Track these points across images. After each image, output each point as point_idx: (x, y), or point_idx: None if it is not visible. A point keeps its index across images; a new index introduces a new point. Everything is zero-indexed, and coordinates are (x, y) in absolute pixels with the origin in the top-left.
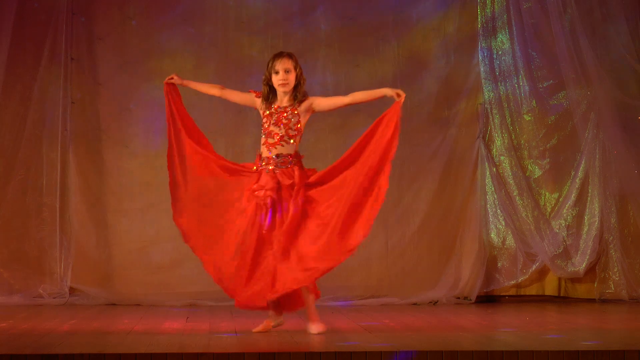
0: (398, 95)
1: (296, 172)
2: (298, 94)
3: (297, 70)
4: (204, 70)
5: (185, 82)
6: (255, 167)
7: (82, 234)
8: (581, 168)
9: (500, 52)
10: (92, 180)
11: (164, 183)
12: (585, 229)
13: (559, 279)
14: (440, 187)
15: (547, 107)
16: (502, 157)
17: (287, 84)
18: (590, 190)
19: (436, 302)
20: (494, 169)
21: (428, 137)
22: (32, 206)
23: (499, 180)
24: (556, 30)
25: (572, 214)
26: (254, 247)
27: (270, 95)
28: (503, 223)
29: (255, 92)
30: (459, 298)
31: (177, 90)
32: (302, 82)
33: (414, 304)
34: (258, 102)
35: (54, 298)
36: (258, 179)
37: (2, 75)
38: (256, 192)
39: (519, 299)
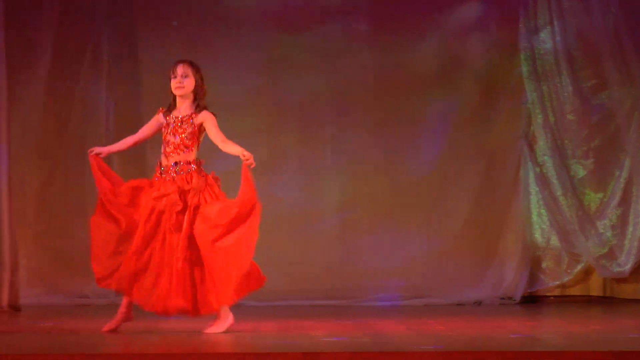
0: (243, 155)
1: (194, 178)
2: (198, 103)
3: (197, 78)
4: (246, 71)
5: (106, 150)
6: (155, 177)
7: None
8: (625, 168)
9: (542, 52)
10: None
11: None
12: (630, 229)
13: (604, 279)
14: (483, 187)
15: (590, 107)
16: (545, 157)
17: (183, 87)
18: (634, 190)
19: (480, 303)
20: (537, 169)
21: (470, 137)
22: (76, 206)
23: (543, 180)
24: (599, 29)
25: (616, 214)
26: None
27: (171, 106)
28: (547, 223)
29: (162, 109)
30: (502, 298)
31: (100, 161)
32: (201, 92)
33: (458, 304)
34: (161, 116)
35: (99, 298)
36: (159, 188)
37: (45, 75)
38: (158, 201)
39: (564, 299)
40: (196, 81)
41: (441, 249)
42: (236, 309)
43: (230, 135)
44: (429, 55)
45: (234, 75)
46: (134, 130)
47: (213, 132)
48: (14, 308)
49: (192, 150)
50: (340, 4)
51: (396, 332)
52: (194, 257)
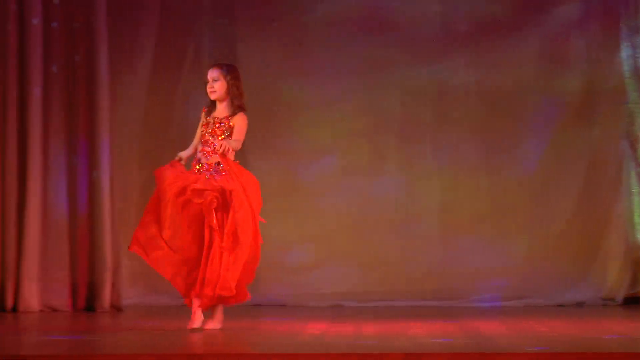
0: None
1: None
2: (234, 104)
3: (228, 79)
4: (345, 70)
5: (185, 155)
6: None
7: None
8: None
9: None
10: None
11: (307, 184)
12: None
13: None
14: (585, 187)
15: None
16: None
17: (214, 91)
18: None
19: (582, 304)
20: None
21: (571, 137)
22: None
23: None
24: None
25: None
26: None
27: (212, 106)
28: None
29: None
30: (604, 300)
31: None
32: (235, 93)
33: (559, 305)
34: (203, 115)
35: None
36: (200, 181)
37: (146, 78)
38: (195, 193)
39: None
40: (228, 83)
41: (542, 250)
42: (337, 310)
43: (330, 136)
44: (529, 56)
45: (334, 76)
46: None
47: (235, 131)
48: (116, 308)
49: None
50: (439, 5)
51: (497, 333)
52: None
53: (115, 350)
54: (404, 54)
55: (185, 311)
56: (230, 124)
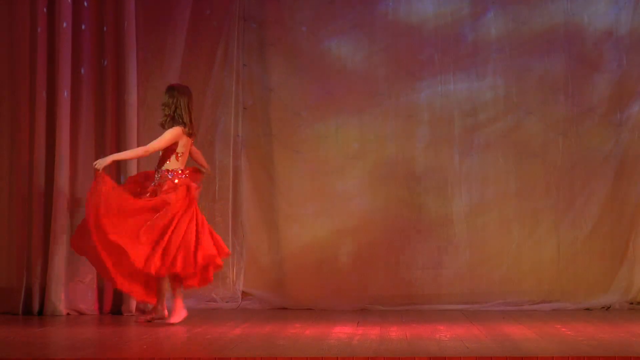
0: None
1: None
2: None
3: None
4: (374, 74)
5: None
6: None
7: (253, 239)
8: None
9: None
10: (264, 186)
11: (335, 188)
12: None
13: None
14: (613, 190)
15: None
16: None
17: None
18: None
19: (609, 308)
20: None
21: (600, 140)
22: (205, 211)
23: None
24: None
25: None
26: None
27: None
28: None
29: None
30: (632, 303)
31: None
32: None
33: (587, 309)
34: None
35: (227, 302)
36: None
37: (176, 81)
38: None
39: None
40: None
41: (570, 254)
42: (364, 313)
43: (358, 141)
44: (561, 60)
45: (362, 79)
46: (262, 135)
47: None
48: (142, 312)
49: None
50: (470, 8)
51: (524, 337)
52: None
53: (141, 354)
54: (433, 56)
55: (210, 315)
56: None
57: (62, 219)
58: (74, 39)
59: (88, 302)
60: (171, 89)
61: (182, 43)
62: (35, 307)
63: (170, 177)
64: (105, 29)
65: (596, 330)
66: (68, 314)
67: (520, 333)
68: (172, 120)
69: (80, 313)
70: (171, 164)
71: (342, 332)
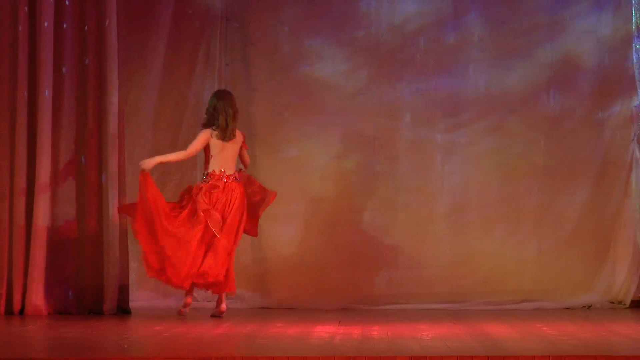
0: None
1: None
2: None
3: None
4: (356, 75)
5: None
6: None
7: None
8: None
9: None
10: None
11: (317, 188)
12: None
13: None
14: (594, 190)
15: None
16: None
17: None
18: None
19: (590, 307)
20: None
21: (581, 140)
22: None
23: None
24: None
25: None
26: None
27: None
28: None
29: None
30: (613, 302)
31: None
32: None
33: (568, 308)
34: None
35: (208, 302)
36: None
37: (158, 81)
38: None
39: None
40: None
41: (551, 253)
42: (346, 312)
43: (339, 140)
44: (542, 60)
45: (344, 79)
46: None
47: None
48: (124, 311)
49: None
50: (452, 8)
51: (506, 336)
52: None
53: (122, 354)
54: (415, 56)
55: (191, 314)
56: None
57: (43, 217)
58: (56, 37)
59: (69, 302)
60: (212, 94)
61: (164, 42)
62: (17, 306)
63: (203, 179)
64: (86, 28)
65: (577, 329)
66: (49, 313)
67: (502, 332)
68: (205, 123)
69: (62, 313)
70: (209, 166)
71: (324, 331)
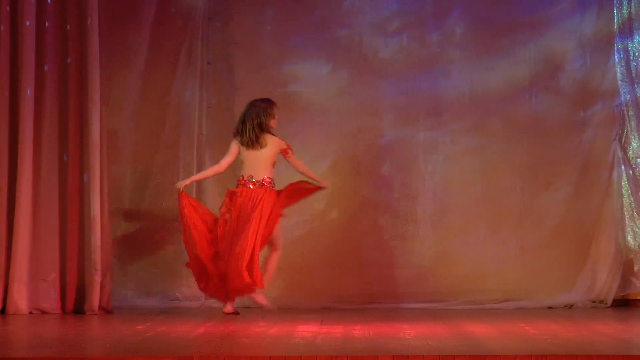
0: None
1: None
2: None
3: None
4: (339, 74)
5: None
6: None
7: None
8: None
9: (637, 54)
10: (228, 185)
11: None
12: None
13: None
14: (576, 189)
15: None
16: (638, 160)
17: None
18: None
19: (571, 306)
20: (631, 172)
21: (563, 139)
22: (169, 210)
23: (636, 183)
24: None
25: None
26: None
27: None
28: None
29: None
30: (594, 302)
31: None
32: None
33: (550, 307)
34: None
35: (191, 301)
36: None
37: (139, 80)
38: None
39: None
40: None
41: (533, 253)
42: (328, 312)
43: (323, 139)
44: (525, 60)
45: (326, 78)
46: (226, 134)
47: None
48: (106, 311)
49: None
50: (434, 7)
51: (487, 336)
52: None
53: (104, 353)
54: (397, 55)
55: (173, 314)
56: None
57: (25, 217)
58: (38, 37)
59: (50, 301)
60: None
61: (146, 41)
62: None
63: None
64: (68, 27)
65: (559, 328)
66: (31, 312)
67: (483, 331)
68: (234, 131)
69: (43, 312)
70: (241, 172)
71: (306, 330)
